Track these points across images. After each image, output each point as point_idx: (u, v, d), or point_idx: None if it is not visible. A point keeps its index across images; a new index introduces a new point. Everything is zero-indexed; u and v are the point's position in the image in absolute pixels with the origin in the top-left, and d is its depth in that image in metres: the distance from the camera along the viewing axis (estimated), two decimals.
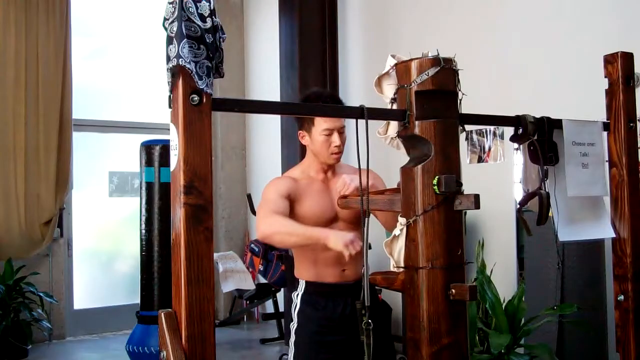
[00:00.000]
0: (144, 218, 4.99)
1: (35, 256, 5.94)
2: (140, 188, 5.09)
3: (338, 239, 2.17)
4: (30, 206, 5.87)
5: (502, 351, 3.62)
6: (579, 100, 4.02)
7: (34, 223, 5.89)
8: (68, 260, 6.31)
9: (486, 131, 4.88)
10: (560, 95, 4.26)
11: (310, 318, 2.53)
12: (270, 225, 2.34)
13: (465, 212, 4.73)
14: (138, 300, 5.06)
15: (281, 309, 6.01)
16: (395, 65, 1.42)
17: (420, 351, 1.33)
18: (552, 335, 3.87)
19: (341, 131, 2.49)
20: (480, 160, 4.89)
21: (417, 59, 1.40)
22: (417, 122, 1.38)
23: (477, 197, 1.33)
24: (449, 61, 1.43)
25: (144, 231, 4.97)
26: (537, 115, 1.72)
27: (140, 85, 6.72)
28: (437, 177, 1.35)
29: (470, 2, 5.03)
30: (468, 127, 5.21)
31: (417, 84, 1.36)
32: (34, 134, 5.88)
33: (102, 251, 6.76)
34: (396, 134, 1.46)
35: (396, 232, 1.37)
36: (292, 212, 2.45)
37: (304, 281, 2.57)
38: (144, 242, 4.97)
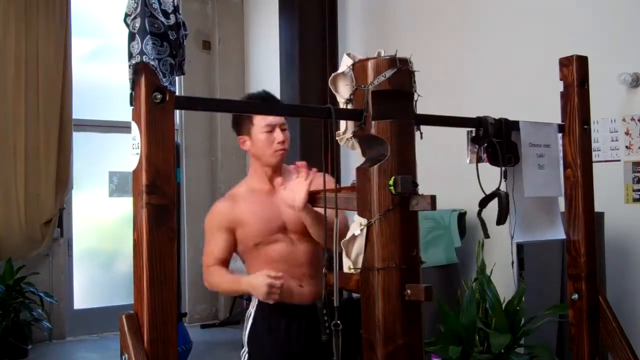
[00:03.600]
0: None
1: (35, 256, 5.94)
2: None
3: (260, 288, 2.16)
4: (30, 206, 5.87)
5: (502, 351, 3.60)
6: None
7: (34, 223, 5.89)
8: (68, 260, 6.31)
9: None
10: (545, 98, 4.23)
11: (265, 346, 2.35)
12: (211, 279, 2.37)
13: (465, 212, 4.73)
14: None
15: None
16: (353, 65, 1.40)
17: (375, 352, 1.32)
18: (552, 335, 3.85)
19: (283, 128, 2.38)
20: (480, 160, 4.86)
21: (373, 58, 1.39)
22: (373, 123, 1.37)
23: (433, 198, 1.31)
24: (405, 62, 1.42)
25: None
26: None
27: None
28: (393, 177, 1.33)
29: (470, 2, 5.01)
30: (468, 128, 5.18)
31: (374, 85, 1.35)
32: (34, 134, 5.88)
33: (102, 251, 6.76)
34: (352, 134, 1.44)
35: (355, 232, 1.35)
36: (238, 235, 2.37)
37: (257, 298, 2.34)
38: None
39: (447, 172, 4.81)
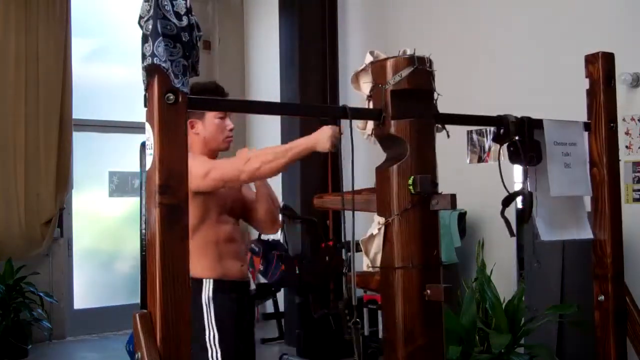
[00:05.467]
0: (144, 218, 4.98)
1: (35, 256, 5.92)
2: (140, 188, 5.09)
3: (325, 139, 2.10)
4: (30, 206, 5.86)
5: (502, 351, 3.61)
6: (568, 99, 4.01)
7: (34, 223, 5.87)
8: (68, 260, 6.30)
9: (486, 131, 4.86)
10: (557, 95, 4.25)
11: (231, 324, 2.40)
12: (254, 161, 2.24)
13: (466, 212, 4.74)
14: (138, 300, 5.05)
15: (281, 309, 6.02)
16: (371, 63, 1.40)
17: (395, 351, 1.32)
18: (552, 335, 3.85)
19: (230, 116, 2.53)
20: (480, 160, 4.88)
21: (392, 57, 1.39)
22: (392, 122, 1.37)
23: (453, 197, 1.32)
24: (423, 61, 1.42)
25: (144, 231, 4.97)
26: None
27: (140, 85, 6.66)
28: (412, 177, 1.33)
29: (471, 3, 5.02)
30: (468, 128, 5.16)
31: (391, 85, 1.35)
32: (34, 134, 5.87)
33: (102, 251, 6.75)
34: (371, 132, 1.44)
35: (373, 231, 1.36)
36: (210, 195, 2.38)
37: (210, 280, 2.38)
38: (144, 242, 4.97)
39: (447, 171, 4.82)
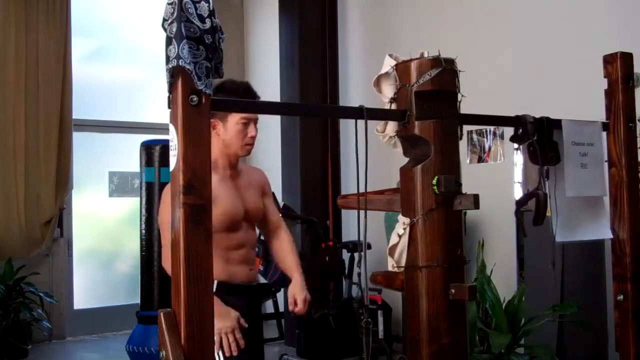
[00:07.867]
0: (144, 218, 4.99)
1: (35, 256, 5.93)
2: (140, 188, 5.09)
3: (227, 319, 2.27)
4: (30, 206, 5.86)
5: (502, 351, 3.62)
6: (583, 100, 4.02)
7: (34, 223, 5.88)
8: (68, 260, 6.30)
9: (486, 131, 4.88)
10: (561, 95, 4.27)
11: None
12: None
13: (465, 212, 4.75)
14: (138, 300, 5.06)
15: (281, 309, 6.02)
16: (396, 65, 1.42)
17: (420, 351, 1.33)
18: (552, 335, 3.87)
19: (256, 122, 2.49)
20: (480, 160, 4.90)
21: (416, 59, 1.40)
22: (417, 122, 1.38)
23: (476, 197, 1.33)
24: (450, 62, 1.43)
25: (144, 231, 4.98)
26: (537, 116, 1.71)
27: (140, 85, 6.72)
28: (436, 177, 1.35)
29: (470, 2, 5.04)
30: (468, 127, 5.17)
31: (417, 86, 1.36)
32: (34, 134, 5.88)
33: (102, 251, 6.76)
34: (395, 133, 1.46)
35: (399, 231, 1.37)
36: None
37: (215, 281, 2.32)
38: (144, 242, 4.98)
39: None
